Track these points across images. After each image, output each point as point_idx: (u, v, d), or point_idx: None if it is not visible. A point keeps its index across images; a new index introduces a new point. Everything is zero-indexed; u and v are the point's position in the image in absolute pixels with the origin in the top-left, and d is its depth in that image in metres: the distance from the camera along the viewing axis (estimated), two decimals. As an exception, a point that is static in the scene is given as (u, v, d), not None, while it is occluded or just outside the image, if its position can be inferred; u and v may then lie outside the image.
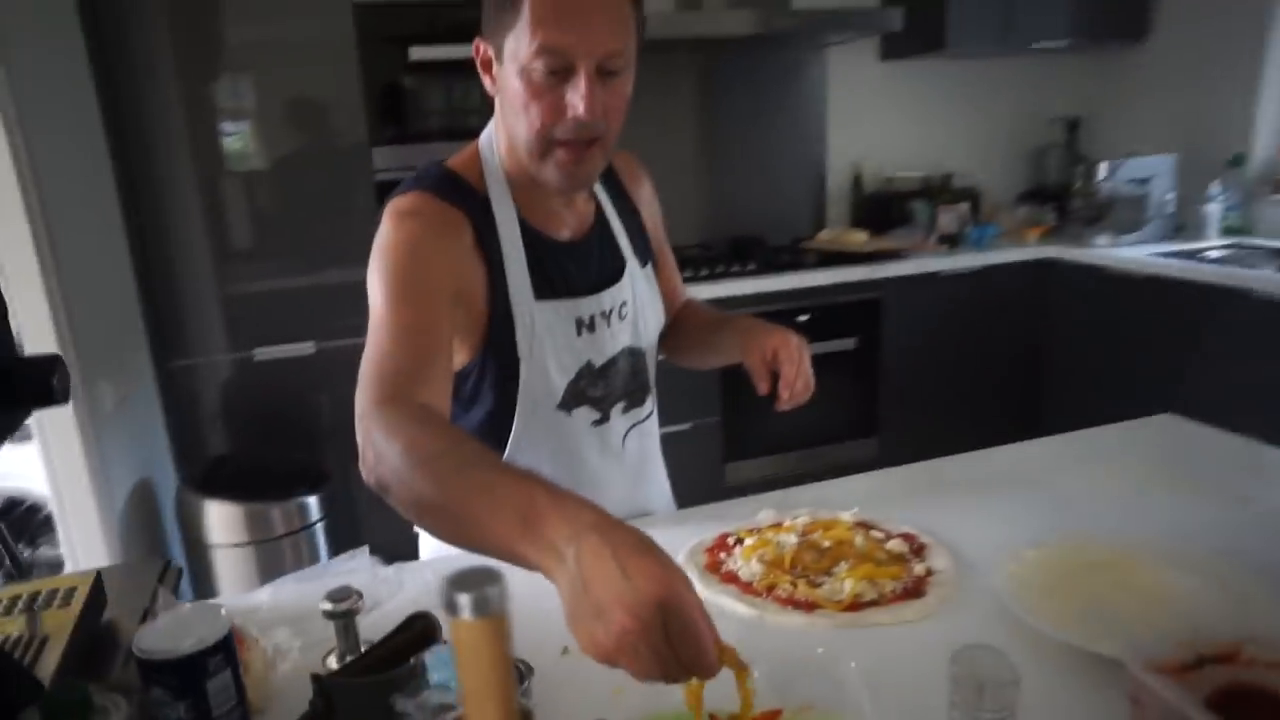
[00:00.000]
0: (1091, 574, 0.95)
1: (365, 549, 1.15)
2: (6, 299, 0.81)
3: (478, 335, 1.06)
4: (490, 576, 0.39)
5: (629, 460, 1.21)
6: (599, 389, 1.15)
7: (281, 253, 2.50)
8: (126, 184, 2.34)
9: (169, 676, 0.70)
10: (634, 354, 1.20)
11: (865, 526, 1.11)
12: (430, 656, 0.72)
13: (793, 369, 1.11)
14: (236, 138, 2.39)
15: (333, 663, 0.89)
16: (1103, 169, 3.29)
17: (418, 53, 2.45)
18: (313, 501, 2.22)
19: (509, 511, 0.66)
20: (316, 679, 0.74)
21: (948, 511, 1.15)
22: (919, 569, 1.01)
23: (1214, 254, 3.02)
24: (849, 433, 3.19)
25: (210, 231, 2.43)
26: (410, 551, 1.23)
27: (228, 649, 0.74)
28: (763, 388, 1.13)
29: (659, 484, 1.30)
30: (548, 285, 1.09)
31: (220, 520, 2.14)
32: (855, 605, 0.95)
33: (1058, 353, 3.39)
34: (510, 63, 0.96)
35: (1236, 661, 0.71)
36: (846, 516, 1.13)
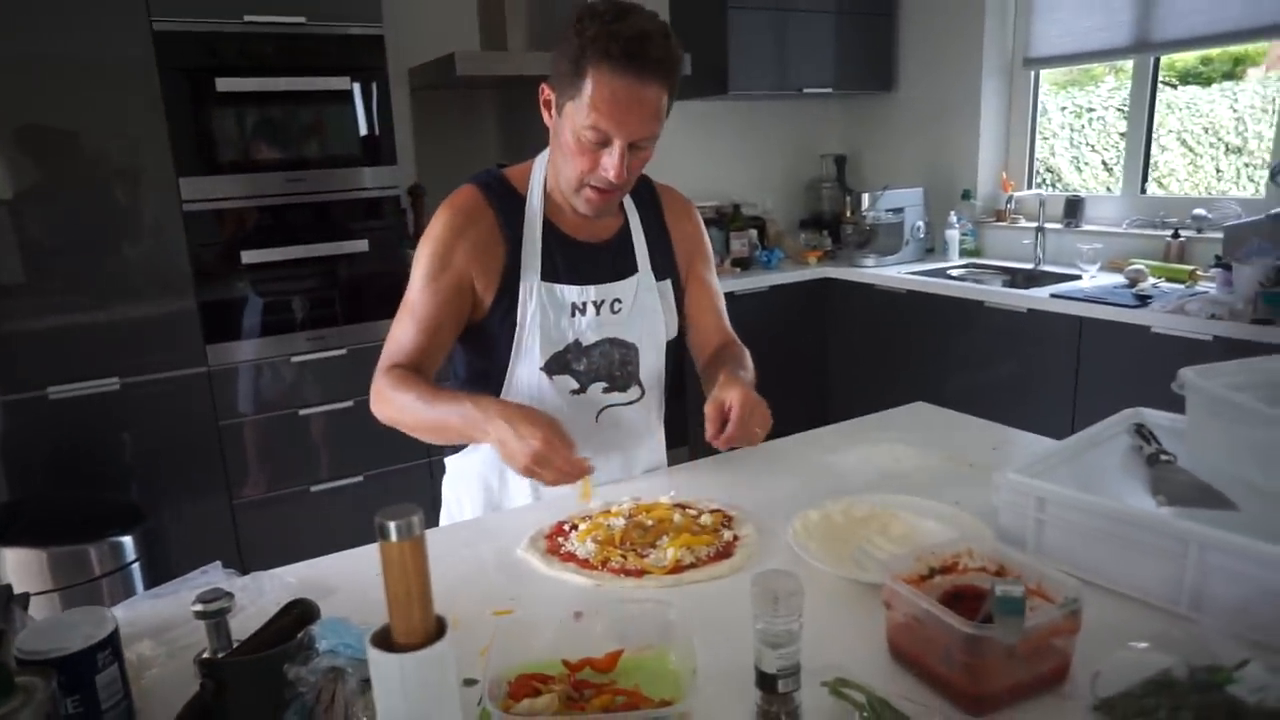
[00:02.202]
0: (858, 526, 1.18)
1: (218, 563, 1.19)
2: None
3: (492, 295, 1.36)
4: (411, 509, 0.51)
5: (602, 433, 1.44)
6: (581, 364, 1.41)
7: (75, 286, 2.37)
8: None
9: (58, 674, 0.74)
10: (622, 346, 1.43)
11: (681, 506, 1.29)
12: (317, 627, 0.81)
13: (735, 425, 1.28)
14: (11, 166, 2.25)
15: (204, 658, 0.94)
16: (866, 200, 3.77)
17: (225, 83, 2.42)
18: (127, 541, 2.13)
19: (459, 413, 1.23)
20: (205, 663, 0.80)
21: (749, 489, 1.36)
22: (728, 536, 1.20)
23: (955, 272, 3.55)
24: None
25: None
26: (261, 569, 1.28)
27: (114, 645, 0.79)
28: (709, 433, 1.31)
29: (641, 457, 1.53)
30: (554, 270, 1.37)
31: (20, 568, 1.99)
32: (677, 568, 1.12)
33: (837, 357, 3.83)
34: (567, 120, 1.25)
35: (957, 570, 0.95)
36: (665, 499, 1.31)
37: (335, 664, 0.79)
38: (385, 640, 0.52)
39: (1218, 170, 3.32)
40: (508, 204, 1.37)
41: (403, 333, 1.34)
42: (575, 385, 1.41)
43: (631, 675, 0.88)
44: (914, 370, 3.44)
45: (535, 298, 1.36)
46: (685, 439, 3.69)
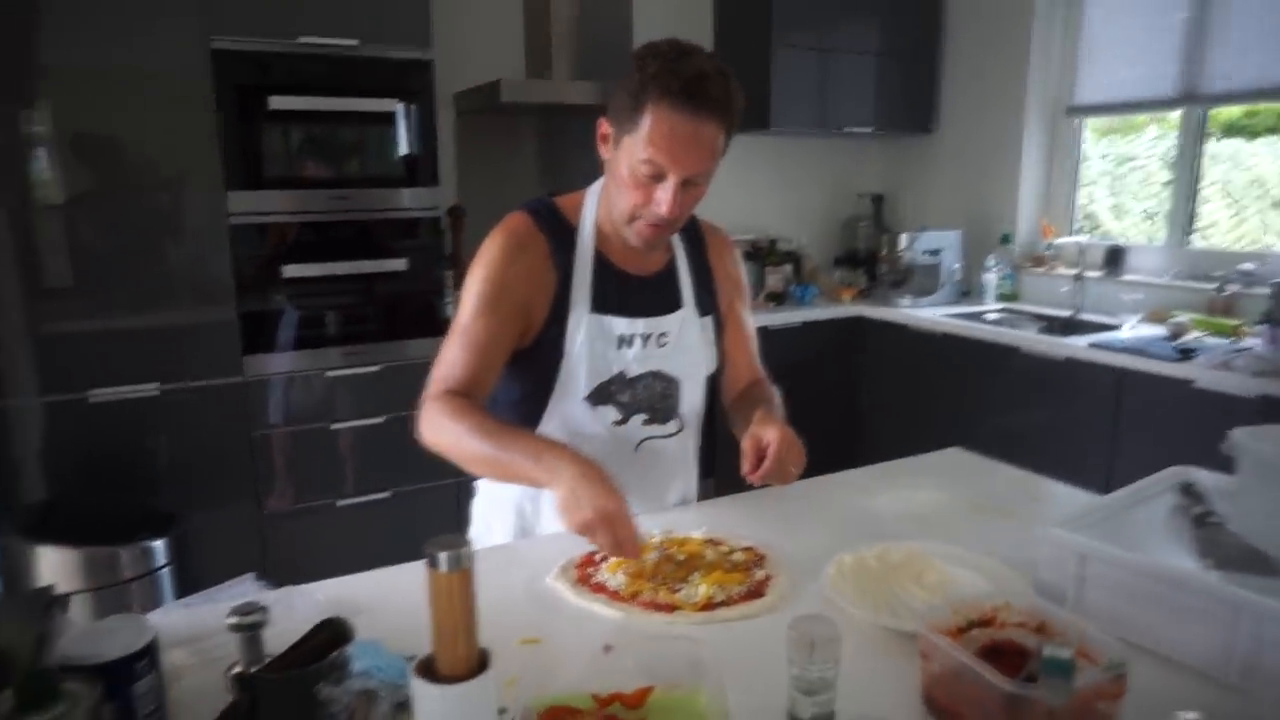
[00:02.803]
0: (893, 573, 1.16)
1: (251, 575, 1.20)
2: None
3: (539, 323, 1.36)
4: (461, 541, 0.51)
5: (640, 463, 1.43)
6: (626, 396, 1.41)
7: (120, 292, 2.42)
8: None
9: (98, 680, 0.75)
10: (665, 379, 1.44)
11: (714, 542, 1.28)
12: (353, 648, 0.81)
13: (773, 461, 1.29)
14: (56, 168, 2.31)
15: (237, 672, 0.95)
16: (903, 240, 3.76)
17: (277, 102, 2.48)
18: (158, 546, 2.15)
19: (526, 453, 1.19)
20: (239, 678, 0.80)
21: (781, 528, 1.35)
22: (760, 575, 1.19)
23: (991, 316, 3.52)
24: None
25: (31, 267, 2.33)
26: (283, 584, 1.29)
27: (152, 654, 0.80)
28: (746, 468, 1.32)
29: (675, 489, 1.53)
30: (603, 302, 1.38)
31: (53, 567, 2.02)
32: (708, 606, 1.11)
33: (869, 396, 3.80)
34: (624, 154, 1.27)
35: (995, 625, 0.93)
36: (697, 534, 1.30)
37: (368, 686, 0.79)
38: (429, 670, 0.52)
39: (1264, 224, 3.27)
40: (559, 233, 1.38)
41: (455, 356, 1.32)
42: (618, 416, 1.41)
43: (660, 714, 0.87)
44: (946, 413, 3.40)
45: (584, 328, 1.36)
46: (711, 470, 3.68)
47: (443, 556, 0.49)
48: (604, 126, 1.32)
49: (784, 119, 3.65)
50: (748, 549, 1.26)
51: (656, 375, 1.43)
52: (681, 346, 1.44)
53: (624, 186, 1.29)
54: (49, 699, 0.61)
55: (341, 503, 2.77)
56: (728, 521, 1.38)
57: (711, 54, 1.28)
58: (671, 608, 1.11)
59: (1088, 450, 2.83)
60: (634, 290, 1.41)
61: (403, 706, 0.80)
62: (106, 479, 2.40)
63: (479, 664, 0.52)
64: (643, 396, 1.42)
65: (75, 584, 2.04)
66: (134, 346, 2.44)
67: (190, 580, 2.27)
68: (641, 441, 1.44)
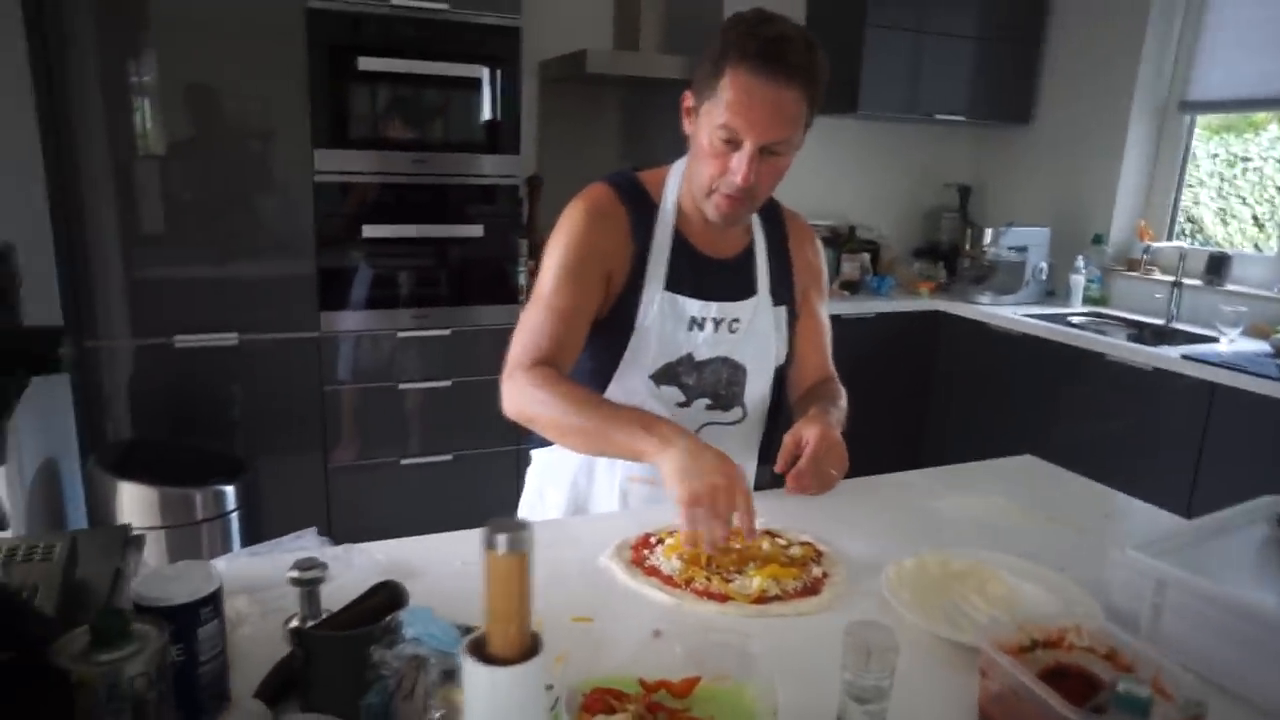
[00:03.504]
0: (955, 581, 1.12)
1: (314, 529, 1.23)
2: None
3: (614, 299, 1.35)
4: (521, 524, 0.51)
5: None
6: (692, 378, 1.39)
7: (208, 242, 2.51)
8: (55, 161, 2.31)
9: (166, 622, 0.77)
10: (732, 366, 1.41)
11: (771, 535, 1.26)
12: (405, 614, 0.82)
13: (808, 460, 1.28)
14: (159, 119, 2.38)
15: (295, 625, 0.97)
16: (988, 235, 3.63)
17: (366, 63, 2.51)
18: (229, 491, 2.23)
19: (632, 424, 1.17)
20: (297, 632, 0.82)
21: (840, 526, 1.31)
22: (816, 571, 1.16)
23: (1076, 319, 3.37)
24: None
25: (130, 214, 2.42)
26: (342, 537, 1.32)
27: (217, 601, 0.82)
28: (779, 465, 1.32)
29: None
30: (678, 281, 1.36)
31: (133, 503, 2.12)
32: (762, 599, 1.09)
33: (940, 394, 3.70)
34: (703, 123, 1.25)
35: (1061, 646, 0.89)
36: (758, 525, 1.28)
37: (419, 652, 0.80)
38: (480, 650, 0.51)
39: None
40: (640, 208, 1.37)
41: (539, 326, 1.30)
42: (682, 398, 1.40)
43: (706, 705, 0.86)
44: (1020, 418, 3.29)
45: (657, 305, 1.35)
46: (768, 457, 3.65)
47: (501, 539, 0.48)
48: (688, 100, 1.30)
49: (872, 102, 3.54)
50: (805, 544, 1.24)
51: (725, 361, 1.41)
52: (752, 334, 1.42)
53: (703, 156, 1.27)
54: (121, 638, 0.63)
55: (405, 461, 2.83)
56: (787, 514, 1.35)
57: (798, 24, 1.24)
58: (724, 597, 1.09)
59: (1170, 469, 2.70)
60: (710, 272, 1.39)
61: (450, 675, 0.81)
62: (186, 423, 2.50)
63: (531, 647, 0.51)
64: (709, 381, 1.40)
65: (151, 521, 2.14)
66: (218, 296, 2.52)
67: (256, 526, 2.35)
68: (702, 426, 1.41)
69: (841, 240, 3.81)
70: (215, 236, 2.51)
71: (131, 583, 0.86)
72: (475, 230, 2.77)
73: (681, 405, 1.40)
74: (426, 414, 2.83)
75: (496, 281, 2.86)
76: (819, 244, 1.56)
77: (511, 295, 2.87)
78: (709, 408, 1.42)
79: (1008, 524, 1.36)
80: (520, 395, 1.25)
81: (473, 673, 0.52)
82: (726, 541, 1.11)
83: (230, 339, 2.53)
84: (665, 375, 1.38)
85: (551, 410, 1.22)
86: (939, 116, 3.74)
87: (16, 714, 0.68)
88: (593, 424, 1.20)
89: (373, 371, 2.75)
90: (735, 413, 1.45)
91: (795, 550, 1.21)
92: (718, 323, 1.38)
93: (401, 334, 2.75)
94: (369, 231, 2.62)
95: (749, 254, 1.43)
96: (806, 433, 1.29)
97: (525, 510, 1.54)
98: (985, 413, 3.48)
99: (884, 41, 3.50)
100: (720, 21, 1.25)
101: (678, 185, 1.38)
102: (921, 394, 3.73)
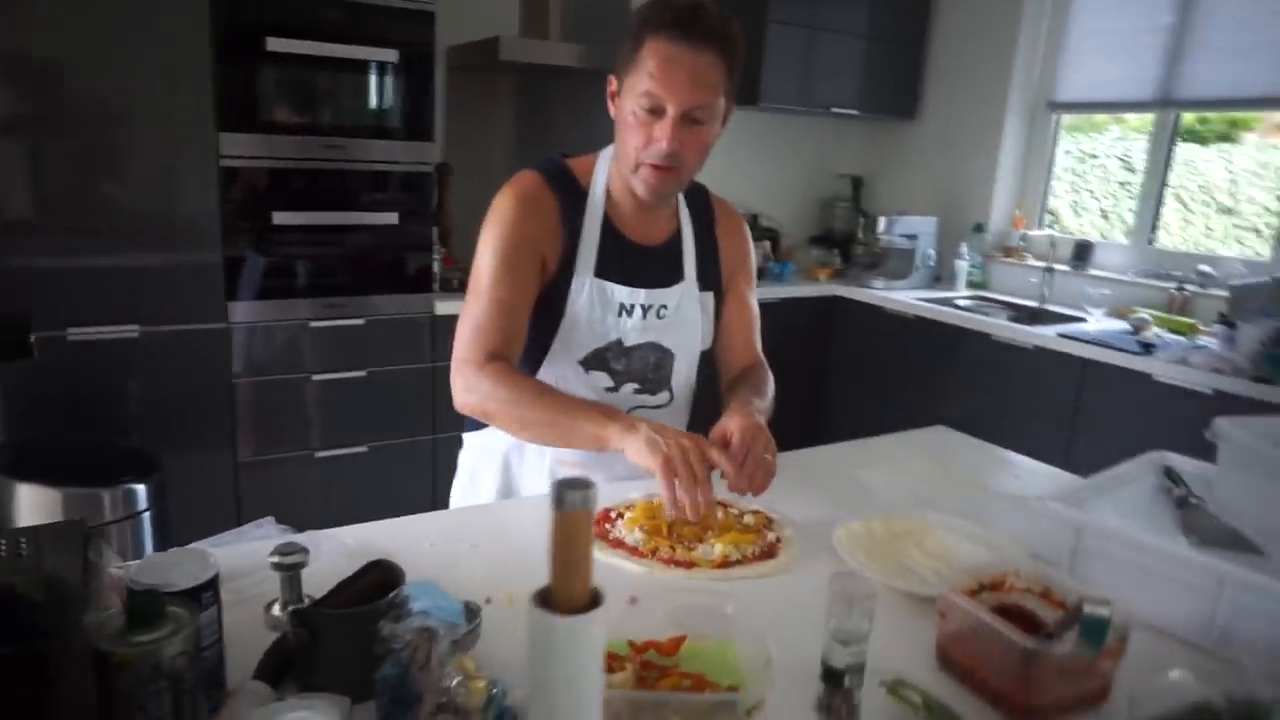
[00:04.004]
0: (898, 540, 1.23)
1: (271, 519, 1.22)
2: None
3: (544, 287, 1.36)
4: (587, 483, 0.55)
5: None
6: (620, 364, 1.43)
7: (103, 229, 2.36)
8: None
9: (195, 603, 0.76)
10: (660, 350, 1.45)
11: (723, 505, 1.33)
12: (411, 588, 0.84)
13: (737, 453, 1.23)
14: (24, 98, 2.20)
15: (277, 611, 0.97)
16: (882, 223, 3.83)
17: (275, 44, 2.43)
18: (141, 490, 2.13)
19: (594, 414, 1.23)
20: (297, 613, 0.83)
21: (776, 498, 1.36)
22: (771, 537, 1.24)
23: (962, 302, 3.62)
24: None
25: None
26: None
27: (214, 588, 0.81)
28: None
29: None
30: (607, 268, 1.38)
31: (33, 506, 1.99)
32: (725, 564, 1.16)
33: (838, 373, 3.89)
34: (626, 97, 1.28)
35: (1004, 589, 0.99)
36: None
37: (428, 624, 0.82)
38: (546, 602, 0.55)
39: (1208, 228, 3.43)
40: (569, 195, 1.38)
41: (484, 319, 1.31)
42: (610, 383, 1.43)
43: (692, 663, 0.92)
44: (912, 393, 3.51)
45: (586, 292, 1.37)
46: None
47: (572, 496, 0.52)
48: (612, 84, 1.33)
49: (773, 95, 3.68)
50: (756, 512, 1.31)
51: (653, 346, 1.44)
52: (679, 319, 1.45)
53: (628, 129, 1.29)
54: (157, 619, 0.63)
55: (320, 454, 2.77)
56: (725, 489, 1.42)
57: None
58: (690, 564, 1.15)
59: (1048, 435, 2.96)
60: (638, 259, 1.41)
61: (457, 644, 0.84)
62: (83, 420, 2.36)
63: (594, 598, 0.56)
64: (637, 366, 1.44)
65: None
66: (116, 286, 2.38)
67: (168, 525, 2.25)
68: (631, 410, 1.44)
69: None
70: (111, 224, 2.36)
71: (116, 572, 0.85)
72: (389, 218, 2.72)
73: (610, 390, 1.43)
74: (340, 405, 2.77)
75: (410, 270, 2.82)
76: (747, 231, 1.59)
77: (425, 284, 2.84)
78: (637, 391, 1.45)
79: (931, 488, 1.48)
80: (471, 390, 1.28)
81: (541, 623, 0.55)
82: (709, 508, 1.16)
83: (131, 331, 2.39)
84: (594, 361, 1.41)
85: (512, 407, 1.25)
86: (835, 110, 3.91)
87: (26, 706, 0.67)
88: (553, 416, 1.24)
89: (284, 363, 2.66)
90: (663, 396, 1.49)
91: (748, 519, 1.29)
92: (646, 309, 1.41)
93: (314, 324, 2.68)
94: (279, 219, 2.54)
95: (676, 240, 1.46)
96: (729, 425, 1.27)
97: (458, 493, 1.55)
98: (880, 389, 3.70)
99: (784, 37, 3.64)
100: (625, 11, 1.29)
101: (606, 171, 1.40)
102: (821, 374, 3.92)
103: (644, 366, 1.44)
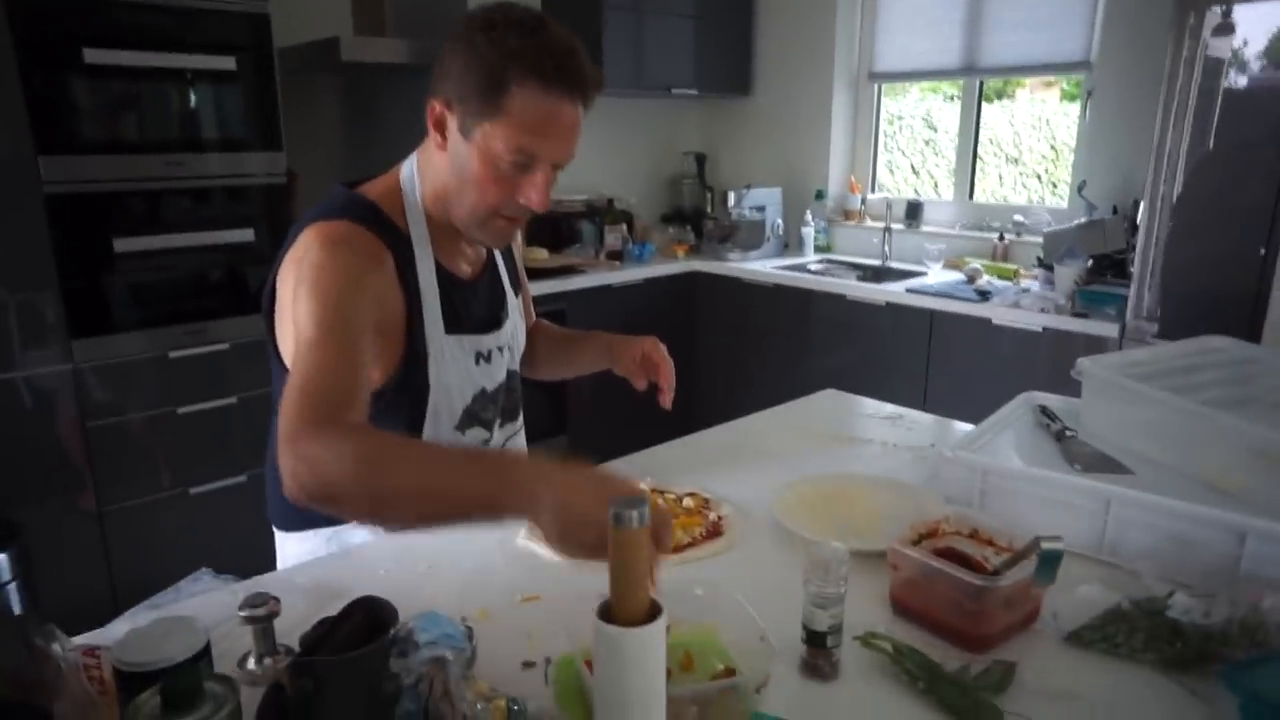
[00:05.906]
0: (828, 502, 1.33)
1: (207, 570, 1.17)
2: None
3: (393, 360, 1.17)
4: (641, 501, 0.58)
5: None
6: (490, 411, 1.31)
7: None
8: None
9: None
10: (512, 376, 1.36)
11: (659, 491, 1.39)
12: (416, 620, 0.84)
13: (668, 367, 1.34)
14: None
15: (252, 665, 0.94)
16: (731, 197, 3.99)
17: (94, 55, 2.22)
18: (2, 559, 1.93)
19: (481, 476, 0.87)
20: (297, 663, 0.81)
21: (701, 475, 1.45)
22: (712, 516, 1.31)
23: (814, 266, 3.85)
24: (542, 432, 3.48)
25: None
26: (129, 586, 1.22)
27: (209, 653, 0.79)
28: (641, 385, 1.37)
29: None
30: (455, 321, 1.22)
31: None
32: (676, 548, 1.22)
33: (705, 346, 4.04)
34: (479, 144, 1.09)
35: (938, 535, 1.11)
36: (643, 485, 1.40)
37: (436, 654, 0.83)
38: (608, 616, 0.59)
39: (1000, 178, 3.84)
40: (397, 245, 1.15)
41: (314, 373, 0.98)
42: (486, 435, 1.32)
43: (676, 650, 0.97)
44: (779, 358, 3.71)
45: (446, 356, 1.21)
46: (564, 428, 3.78)
47: (633, 514, 0.56)
48: (437, 109, 1.11)
49: (614, 80, 3.73)
50: (692, 494, 1.38)
51: (509, 375, 1.36)
52: (515, 336, 1.38)
53: (481, 182, 1.11)
54: (195, 699, 0.61)
55: (195, 490, 2.59)
56: (653, 474, 1.46)
57: (561, 25, 1.12)
58: (646, 554, 1.20)
59: (906, 383, 3.22)
60: (475, 298, 1.28)
61: (468, 666, 0.85)
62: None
63: (654, 610, 0.60)
64: (502, 404, 1.35)
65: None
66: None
67: (35, 593, 2.06)
68: (504, 445, 1.38)
69: (602, 213, 3.99)
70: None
71: (74, 657, 0.80)
72: (245, 235, 2.57)
73: (486, 442, 1.32)
74: (213, 436, 2.60)
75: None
76: None
77: (288, 299, 2.70)
78: (502, 425, 1.36)
79: (836, 448, 1.60)
80: (306, 469, 0.89)
81: (607, 636, 0.59)
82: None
83: (-38, 384, 2.16)
84: (468, 420, 1.27)
85: (357, 479, 0.88)
86: (674, 91, 4.02)
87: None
88: (428, 484, 0.89)
89: (144, 399, 2.47)
90: (520, 418, 1.43)
91: (688, 501, 1.35)
92: (501, 348, 1.32)
93: (174, 353, 2.50)
94: (121, 246, 2.34)
95: (492, 259, 1.35)
96: (638, 349, 1.36)
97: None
98: (747, 357, 3.88)
99: (619, 22, 3.69)
100: (458, 8, 1.13)
101: (419, 203, 1.19)
102: (689, 349, 4.05)
103: (506, 399, 1.35)
